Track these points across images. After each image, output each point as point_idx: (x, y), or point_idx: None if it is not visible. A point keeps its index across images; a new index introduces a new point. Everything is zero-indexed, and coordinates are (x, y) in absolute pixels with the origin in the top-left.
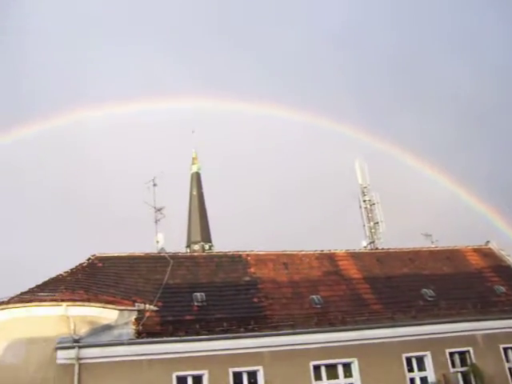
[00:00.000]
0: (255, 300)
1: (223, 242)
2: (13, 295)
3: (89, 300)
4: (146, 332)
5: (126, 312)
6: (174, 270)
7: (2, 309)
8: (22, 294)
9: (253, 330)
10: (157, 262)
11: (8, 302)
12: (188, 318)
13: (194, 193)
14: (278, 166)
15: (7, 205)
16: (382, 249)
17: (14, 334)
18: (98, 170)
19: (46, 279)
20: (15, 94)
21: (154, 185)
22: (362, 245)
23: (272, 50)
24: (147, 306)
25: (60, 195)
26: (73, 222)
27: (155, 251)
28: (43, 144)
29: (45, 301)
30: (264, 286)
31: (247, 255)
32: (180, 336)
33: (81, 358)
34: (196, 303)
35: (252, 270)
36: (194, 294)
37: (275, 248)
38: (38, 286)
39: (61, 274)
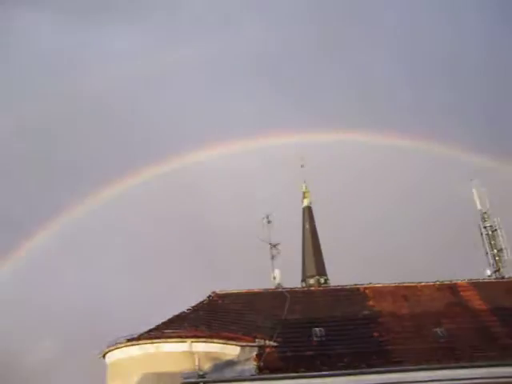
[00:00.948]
0: (376, 334)
1: (338, 275)
2: (142, 332)
3: (211, 336)
4: (268, 368)
5: (247, 348)
6: (291, 305)
7: (133, 344)
8: (150, 330)
9: (375, 366)
10: (275, 297)
11: (139, 338)
12: (308, 353)
13: (307, 227)
14: (391, 195)
15: (142, 245)
16: (509, 277)
17: (144, 368)
18: (215, 208)
19: (171, 316)
20: (131, 142)
21: (269, 221)
22: (485, 274)
23: (373, 80)
24: (267, 341)
25: (179, 233)
26: (193, 259)
27: (272, 287)
28: (166, 184)
29: (171, 337)
30: (384, 319)
31: (365, 288)
32: (301, 372)
33: None
34: (315, 338)
35: (371, 303)
36: (313, 328)
37: (393, 279)
38: (164, 323)
39: (184, 312)
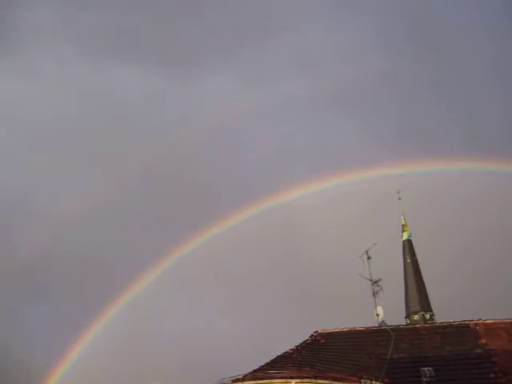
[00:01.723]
0: (492, 376)
1: (445, 311)
2: (247, 372)
3: (316, 377)
4: None
5: None
6: (397, 344)
7: None
8: (255, 371)
9: None
10: (378, 335)
11: (243, 379)
12: None
13: (408, 260)
14: (496, 224)
15: (243, 286)
16: None
17: None
18: (313, 246)
19: (274, 356)
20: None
21: (368, 258)
22: None
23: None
24: (374, 382)
25: (278, 273)
26: (293, 298)
27: (375, 325)
28: (261, 223)
29: (275, 378)
30: (499, 359)
31: (475, 324)
32: None
33: None
34: (425, 379)
35: (483, 341)
36: (422, 368)
37: (506, 315)
38: (267, 364)
39: (287, 351)
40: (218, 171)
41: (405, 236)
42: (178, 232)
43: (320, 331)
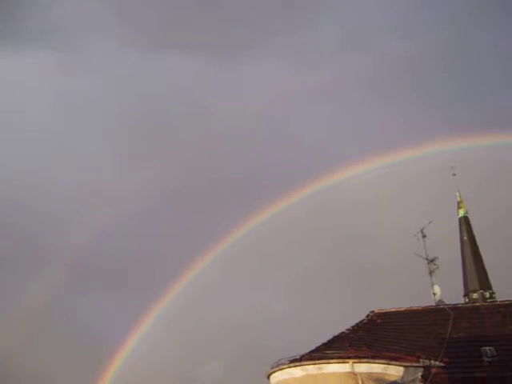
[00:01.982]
0: None
1: (506, 289)
2: (303, 353)
3: (373, 357)
4: None
5: (411, 368)
6: (455, 323)
7: (296, 366)
8: (312, 351)
9: None
10: (436, 314)
11: (301, 360)
12: (479, 375)
13: (465, 238)
14: None
15: (298, 266)
16: None
17: None
18: (367, 226)
19: (331, 337)
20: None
21: (424, 236)
22: None
23: None
24: (433, 361)
25: (332, 253)
26: (348, 278)
27: (433, 304)
28: (315, 203)
29: (332, 358)
30: None
31: None
32: None
33: None
34: (486, 359)
35: None
36: (483, 348)
37: None
38: (324, 344)
39: (343, 332)
40: (267, 154)
41: (461, 213)
42: (231, 216)
43: (376, 311)
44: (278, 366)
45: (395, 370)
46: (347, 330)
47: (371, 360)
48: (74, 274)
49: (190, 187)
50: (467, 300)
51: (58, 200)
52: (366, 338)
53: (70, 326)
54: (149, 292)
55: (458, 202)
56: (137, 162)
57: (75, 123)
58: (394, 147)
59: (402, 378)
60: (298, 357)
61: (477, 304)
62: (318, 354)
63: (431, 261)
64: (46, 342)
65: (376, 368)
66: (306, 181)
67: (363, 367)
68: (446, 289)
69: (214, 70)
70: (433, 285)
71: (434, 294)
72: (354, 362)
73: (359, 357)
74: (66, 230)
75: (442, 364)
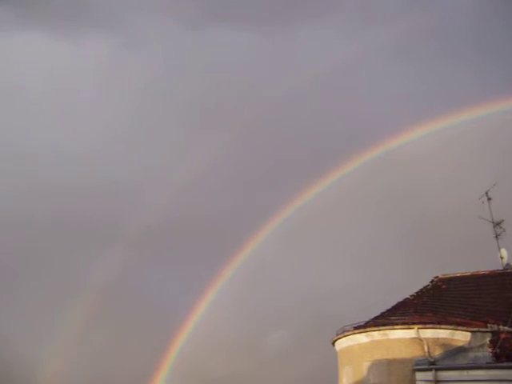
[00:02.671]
0: None
1: None
2: (367, 319)
3: (439, 322)
4: (505, 355)
5: (478, 334)
6: None
7: (361, 332)
8: (376, 318)
9: None
10: (504, 279)
11: (365, 326)
12: None
13: None
14: None
15: (359, 232)
16: None
17: (375, 355)
18: (430, 189)
19: (395, 303)
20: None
21: (489, 199)
22: None
23: None
24: (501, 327)
25: (394, 217)
26: (411, 243)
27: (500, 268)
28: (378, 167)
29: (397, 324)
30: None
31: None
32: None
33: (439, 381)
34: None
35: None
36: None
37: None
38: (388, 310)
39: (408, 298)
40: (323, 123)
41: None
42: (288, 186)
43: (441, 276)
44: (342, 332)
45: (462, 336)
46: (411, 296)
47: (437, 326)
48: (139, 249)
49: (252, 159)
50: None
51: (124, 176)
52: (431, 304)
53: (136, 301)
54: (213, 264)
55: None
56: (200, 136)
57: (135, 102)
58: (455, 108)
59: (470, 343)
60: (362, 323)
61: None
62: (383, 321)
63: (497, 224)
64: (112, 317)
65: (442, 333)
66: (366, 146)
67: (429, 333)
68: None
69: (272, 42)
70: (500, 248)
71: (502, 258)
72: (419, 328)
73: (424, 322)
74: (130, 205)
75: (511, 329)
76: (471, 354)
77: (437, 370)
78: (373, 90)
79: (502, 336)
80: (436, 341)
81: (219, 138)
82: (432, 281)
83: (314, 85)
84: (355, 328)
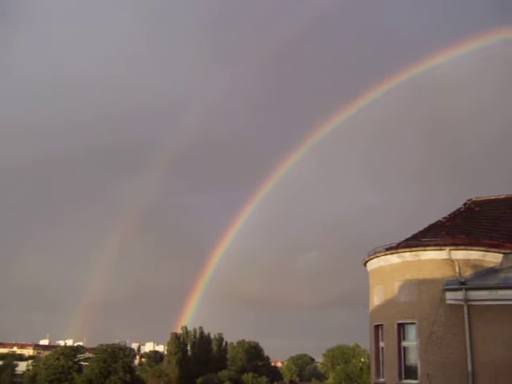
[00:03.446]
0: None
1: None
2: (399, 241)
3: (471, 244)
4: None
5: (510, 255)
6: None
7: (392, 253)
8: (408, 239)
9: None
10: None
11: (397, 247)
12: None
13: None
14: None
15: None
16: None
17: (406, 275)
18: (467, 112)
19: (427, 225)
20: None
21: None
22: None
23: None
24: None
25: (427, 139)
26: (444, 166)
27: None
28: (413, 89)
29: (429, 245)
30: None
31: None
32: None
33: (469, 300)
34: None
35: None
36: None
37: None
38: (421, 232)
39: (440, 220)
40: (361, 42)
41: None
42: (322, 106)
43: (474, 199)
44: (374, 253)
45: (493, 257)
46: (444, 218)
47: (468, 247)
48: (177, 173)
49: (281, 84)
50: None
51: (156, 100)
52: (464, 226)
53: (173, 223)
54: (249, 186)
55: None
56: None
57: (159, 24)
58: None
59: (501, 264)
60: (394, 245)
61: None
62: (415, 242)
63: None
64: (150, 239)
65: (473, 255)
66: (404, 66)
67: (460, 254)
68: None
69: None
70: None
71: None
72: (450, 249)
73: (456, 244)
74: (166, 129)
75: None
76: (502, 275)
77: (467, 289)
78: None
79: None
80: (467, 262)
81: (248, 60)
82: (465, 203)
83: (338, 12)
84: (387, 249)
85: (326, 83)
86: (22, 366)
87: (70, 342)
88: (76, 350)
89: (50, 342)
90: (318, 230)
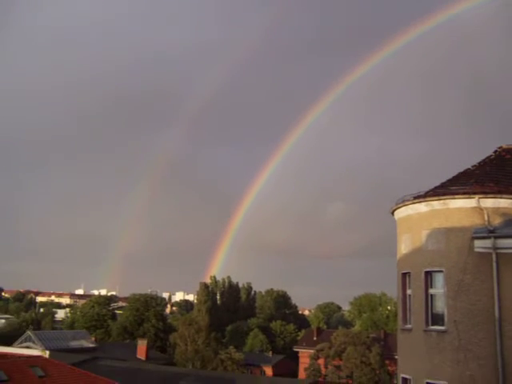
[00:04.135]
0: None
1: None
2: (427, 189)
3: (500, 192)
4: None
5: None
6: None
7: (420, 201)
8: (436, 188)
9: None
10: None
11: (425, 196)
12: None
13: None
14: None
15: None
16: None
17: (433, 223)
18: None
19: (456, 173)
20: None
21: None
22: None
23: None
24: None
25: (459, 87)
26: (474, 112)
27: None
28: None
29: (457, 193)
30: None
31: None
32: None
33: (497, 248)
34: None
35: None
36: None
37: None
38: (449, 180)
39: (469, 168)
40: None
41: None
42: (343, 61)
43: (504, 146)
44: (402, 201)
45: None
46: (473, 166)
47: (498, 195)
48: (204, 124)
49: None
50: None
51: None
52: (493, 174)
53: (200, 176)
54: (276, 134)
55: None
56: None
57: None
58: None
59: None
60: (422, 193)
61: None
62: (443, 190)
63: None
64: (178, 192)
65: (503, 203)
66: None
67: (489, 202)
68: None
69: None
70: None
71: None
72: (479, 197)
73: (485, 192)
74: (191, 79)
75: None
76: None
77: (496, 237)
78: None
79: None
80: (496, 210)
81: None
82: (495, 151)
83: None
84: (415, 198)
85: (359, 28)
86: (60, 314)
87: (103, 292)
88: (110, 299)
89: (84, 292)
90: (348, 178)
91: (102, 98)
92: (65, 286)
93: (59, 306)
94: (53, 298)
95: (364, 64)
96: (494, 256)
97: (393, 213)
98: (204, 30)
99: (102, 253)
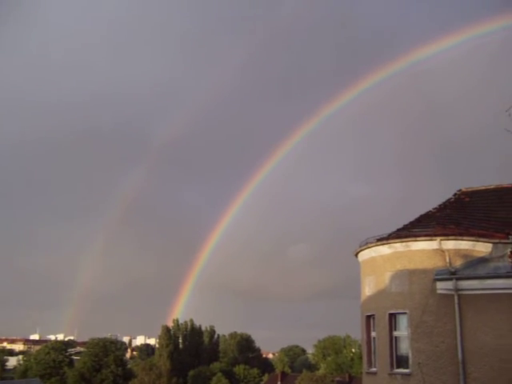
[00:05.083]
0: None
1: None
2: (390, 232)
3: (461, 234)
4: None
5: (500, 245)
6: None
7: (383, 244)
8: (399, 230)
9: None
10: None
11: (388, 238)
12: None
13: None
14: None
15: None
16: None
17: (397, 265)
18: (447, 105)
19: (418, 216)
20: None
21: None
22: None
23: None
24: None
25: (414, 134)
26: (433, 158)
27: None
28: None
29: (419, 236)
30: None
31: None
32: None
33: (459, 289)
34: None
35: None
36: None
37: None
38: (411, 223)
39: (430, 211)
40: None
41: None
42: (315, 99)
43: (464, 189)
44: (365, 244)
45: (484, 247)
46: (434, 208)
47: (459, 237)
48: (165, 163)
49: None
50: None
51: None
52: (454, 216)
53: (162, 214)
54: (237, 179)
55: None
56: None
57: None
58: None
59: (491, 253)
60: (385, 235)
61: None
62: (406, 233)
63: None
64: (138, 231)
65: (464, 245)
66: (389, 60)
67: (451, 244)
68: None
69: None
70: None
71: None
72: (441, 239)
73: (447, 234)
74: (155, 117)
75: None
76: (492, 265)
77: (457, 279)
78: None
79: None
80: (458, 252)
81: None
82: (455, 194)
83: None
84: (378, 240)
85: (316, 78)
86: (12, 361)
87: (60, 337)
88: (67, 345)
89: (40, 337)
90: (308, 222)
91: (62, 133)
92: (19, 332)
93: (11, 353)
94: (5, 344)
95: (326, 108)
96: (455, 298)
97: (356, 255)
98: (173, 68)
99: (59, 296)
